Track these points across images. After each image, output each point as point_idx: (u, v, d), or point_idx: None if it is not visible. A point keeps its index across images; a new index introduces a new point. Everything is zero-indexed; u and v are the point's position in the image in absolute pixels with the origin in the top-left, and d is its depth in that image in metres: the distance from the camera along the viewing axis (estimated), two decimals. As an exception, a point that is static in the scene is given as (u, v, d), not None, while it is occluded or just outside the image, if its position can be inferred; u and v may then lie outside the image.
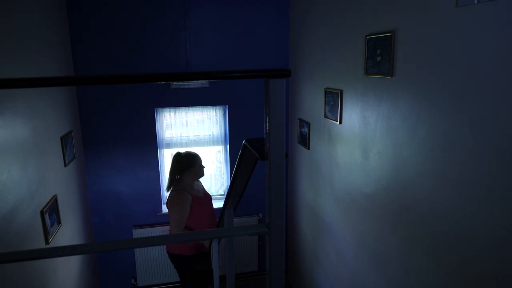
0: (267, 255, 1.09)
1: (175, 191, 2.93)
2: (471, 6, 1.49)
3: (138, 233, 3.98)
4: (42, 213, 2.49)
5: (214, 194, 4.32)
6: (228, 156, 4.14)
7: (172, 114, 3.99)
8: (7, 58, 2.18)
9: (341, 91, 2.72)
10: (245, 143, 1.19)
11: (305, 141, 3.58)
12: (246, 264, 4.19)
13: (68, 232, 3.08)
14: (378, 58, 2.18)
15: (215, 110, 4.07)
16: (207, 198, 3.14)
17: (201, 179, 3.18)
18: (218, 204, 4.19)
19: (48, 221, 2.57)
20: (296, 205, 4.06)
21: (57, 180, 2.88)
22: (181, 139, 4.04)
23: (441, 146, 1.72)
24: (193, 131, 4.07)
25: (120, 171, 3.88)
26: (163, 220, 4.08)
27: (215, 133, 4.11)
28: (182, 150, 3.15)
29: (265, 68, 1.23)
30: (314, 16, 3.25)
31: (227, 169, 4.22)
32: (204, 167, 3.06)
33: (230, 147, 4.10)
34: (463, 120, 1.58)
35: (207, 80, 1.30)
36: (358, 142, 2.53)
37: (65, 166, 3.08)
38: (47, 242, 2.54)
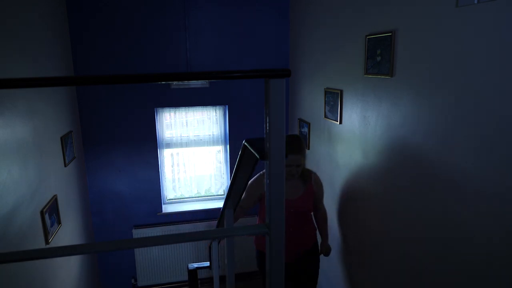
0: (267, 255, 1.09)
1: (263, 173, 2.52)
2: (471, 6, 1.49)
3: (138, 233, 3.98)
4: (42, 213, 2.49)
5: (214, 194, 4.32)
6: (228, 156, 4.14)
7: (172, 114, 3.99)
8: (7, 58, 2.18)
9: (341, 91, 2.72)
10: (245, 143, 1.18)
11: (305, 141, 3.58)
12: (246, 264, 4.19)
13: (68, 232, 3.08)
14: (378, 58, 2.18)
15: (215, 110, 4.07)
16: (297, 205, 2.54)
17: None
18: (218, 204, 4.19)
19: (48, 221, 2.57)
20: (296, 205, 4.05)
21: (57, 180, 2.88)
22: (181, 139, 4.04)
23: (441, 146, 1.72)
24: (193, 131, 4.07)
25: (120, 171, 3.88)
26: (163, 220, 4.08)
27: (215, 133, 4.11)
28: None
29: (265, 68, 1.23)
30: (314, 16, 3.25)
31: (227, 169, 4.22)
32: (290, 166, 2.44)
33: (230, 147, 4.09)
34: (463, 120, 1.58)
35: (207, 80, 1.30)
36: (358, 142, 2.53)
37: (65, 166, 3.08)
38: (47, 242, 2.54)
